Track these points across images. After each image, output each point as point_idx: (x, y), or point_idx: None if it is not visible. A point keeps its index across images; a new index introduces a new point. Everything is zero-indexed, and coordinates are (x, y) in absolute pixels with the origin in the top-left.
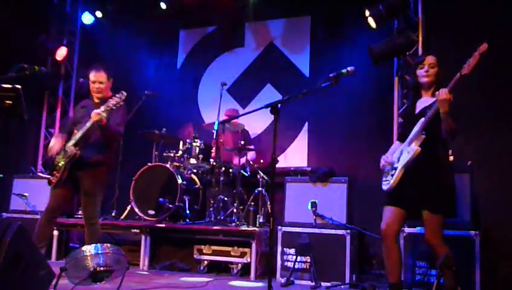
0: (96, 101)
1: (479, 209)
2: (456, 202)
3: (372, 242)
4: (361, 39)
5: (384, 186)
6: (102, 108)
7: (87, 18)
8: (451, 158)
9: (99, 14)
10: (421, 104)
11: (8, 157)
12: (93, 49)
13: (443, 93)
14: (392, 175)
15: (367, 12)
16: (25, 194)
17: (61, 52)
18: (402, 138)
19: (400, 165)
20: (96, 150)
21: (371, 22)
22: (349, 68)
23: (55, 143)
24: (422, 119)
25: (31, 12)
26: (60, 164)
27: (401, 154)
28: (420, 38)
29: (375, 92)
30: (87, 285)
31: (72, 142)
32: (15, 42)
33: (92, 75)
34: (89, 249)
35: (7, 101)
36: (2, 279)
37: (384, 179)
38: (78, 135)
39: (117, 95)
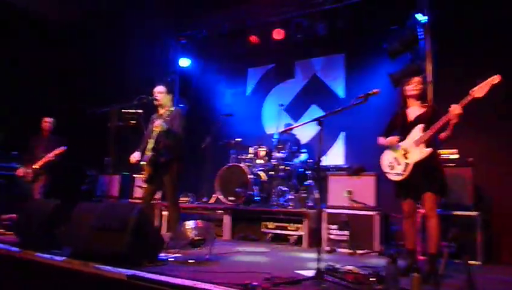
0: (160, 112)
1: (479, 196)
2: (447, 184)
3: (395, 221)
4: (384, 68)
5: (395, 177)
6: (160, 120)
7: (183, 62)
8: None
9: (193, 58)
10: (412, 113)
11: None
12: (188, 83)
13: (457, 108)
14: (404, 169)
15: (387, 48)
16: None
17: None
18: (387, 135)
19: (411, 161)
20: (165, 151)
21: (390, 55)
22: (374, 90)
23: (133, 155)
24: (420, 125)
25: (143, 58)
26: (144, 166)
27: (405, 151)
28: (428, 66)
29: (395, 107)
30: (187, 249)
31: (148, 149)
32: (131, 79)
33: (154, 89)
34: (188, 223)
35: (131, 121)
36: (130, 244)
37: (391, 171)
38: (150, 143)
39: (170, 109)
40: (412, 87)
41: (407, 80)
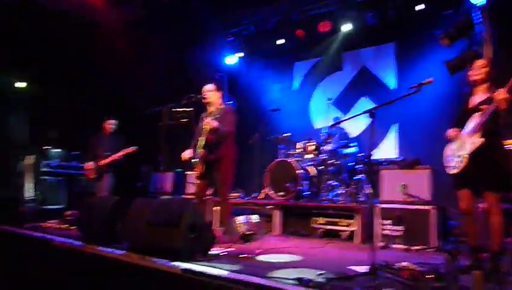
0: (210, 110)
1: None
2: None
3: (452, 215)
4: (437, 55)
5: (451, 170)
6: (210, 118)
7: (230, 59)
8: None
9: (240, 54)
10: (474, 99)
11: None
12: (235, 79)
13: (501, 93)
14: (460, 161)
15: (440, 34)
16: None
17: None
18: (458, 126)
19: (465, 153)
20: (216, 148)
21: (444, 41)
22: (427, 79)
23: (185, 153)
24: (478, 113)
25: (192, 57)
26: (196, 163)
27: (462, 142)
28: (487, 51)
29: (452, 96)
30: (239, 244)
31: (199, 146)
32: (181, 79)
33: (203, 88)
34: (240, 219)
35: (182, 120)
36: (184, 239)
37: (449, 164)
38: (201, 141)
39: (219, 107)
40: (475, 72)
41: (470, 64)
